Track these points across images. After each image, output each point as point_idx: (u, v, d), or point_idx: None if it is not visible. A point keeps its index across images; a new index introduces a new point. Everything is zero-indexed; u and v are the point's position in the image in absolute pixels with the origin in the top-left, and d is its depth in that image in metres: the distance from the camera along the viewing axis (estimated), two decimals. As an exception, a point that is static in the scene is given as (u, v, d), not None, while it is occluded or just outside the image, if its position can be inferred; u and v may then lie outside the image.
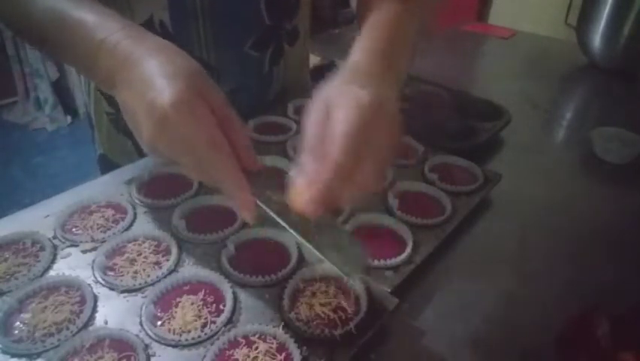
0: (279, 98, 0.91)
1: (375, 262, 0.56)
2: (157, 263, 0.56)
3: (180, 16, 0.73)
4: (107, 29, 0.47)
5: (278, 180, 0.47)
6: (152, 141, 0.43)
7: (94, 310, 0.51)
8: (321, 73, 1.12)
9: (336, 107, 0.43)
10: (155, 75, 0.42)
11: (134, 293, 0.52)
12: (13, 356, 0.46)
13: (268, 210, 0.45)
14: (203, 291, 0.53)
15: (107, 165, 0.88)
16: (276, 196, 0.45)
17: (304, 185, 0.42)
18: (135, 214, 0.63)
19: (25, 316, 0.50)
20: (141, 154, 0.80)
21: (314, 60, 1.62)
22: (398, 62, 0.53)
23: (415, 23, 0.57)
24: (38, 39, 0.56)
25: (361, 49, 0.52)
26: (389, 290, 0.54)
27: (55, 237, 0.59)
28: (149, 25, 0.72)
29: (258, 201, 0.45)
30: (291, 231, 0.44)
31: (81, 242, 0.59)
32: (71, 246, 0.58)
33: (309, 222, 0.44)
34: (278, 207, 0.45)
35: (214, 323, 0.49)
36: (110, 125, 0.85)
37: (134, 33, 0.47)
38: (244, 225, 0.62)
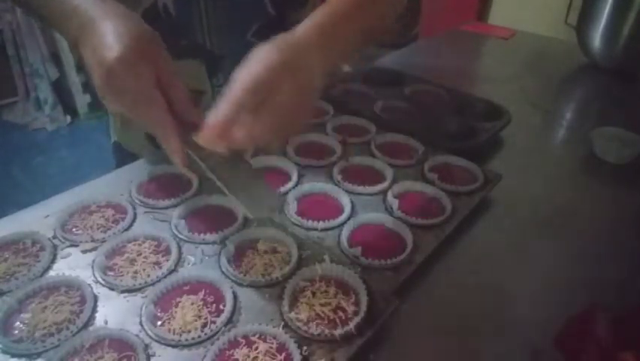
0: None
1: (375, 262, 0.56)
2: (157, 263, 0.56)
3: (184, 2, 0.74)
4: None
5: None
6: (101, 90, 0.49)
7: (94, 310, 0.51)
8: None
9: (249, 63, 0.48)
10: (107, 34, 0.48)
11: (134, 293, 0.52)
12: (13, 356, 0.46)
13: (192, 153, 0.51)
14: (203, 291, 0.53)
15: (120, 152, 0.90)
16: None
17: (209, 122, 0.47)
18: (135, 214, 0.63)
19: (25, 316, 0.50)
20: (151, 142, 0.81)
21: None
22: (336, 40, 0.56)
23: (364, 15, 0.60)
24: (29, 7, 0.60)
25: (306, 20, 0.56)
26: (389, 290, 0.54)
27: (55, 237, 0.59)
28: (153, 9, 0.74)
29: (188, 151, 0.51)
30: (216, 180, 0.51)
31: (81, 242, 0.59)
32: (71, 246, 0.58)
33: (225, 164, 0.51)
34: (202, 153, 0.51)
35: (214, 323, 0.49)
36: (123, 113, 0.87)
37: (101, 0, 0.52)
38: (244, 225, 0.62)
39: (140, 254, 0.57)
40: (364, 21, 0.60)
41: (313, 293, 0.53)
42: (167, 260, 0.56)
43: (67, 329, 0.48)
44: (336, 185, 0.70)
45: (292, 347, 0.46)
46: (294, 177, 0.71)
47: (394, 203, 0.66)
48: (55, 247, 0.58)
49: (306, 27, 0.54)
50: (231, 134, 0.47)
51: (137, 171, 0.71)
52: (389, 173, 0.72)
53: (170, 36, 0.76)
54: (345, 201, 0.67)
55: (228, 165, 0.52)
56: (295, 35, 0.53)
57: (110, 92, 0.49)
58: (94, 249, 0.58)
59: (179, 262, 0.57)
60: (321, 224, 0.62)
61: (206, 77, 0.81)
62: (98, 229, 0.60)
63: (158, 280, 0.54)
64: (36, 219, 0.62)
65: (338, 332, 0.48)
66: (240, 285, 0.54)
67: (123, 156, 0.84)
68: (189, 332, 0.48)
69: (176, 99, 0.52)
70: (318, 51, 0.53)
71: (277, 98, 0.48)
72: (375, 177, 0.73)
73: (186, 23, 0.76)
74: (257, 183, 0.53)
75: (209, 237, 0.60)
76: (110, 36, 0.48)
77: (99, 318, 0.50)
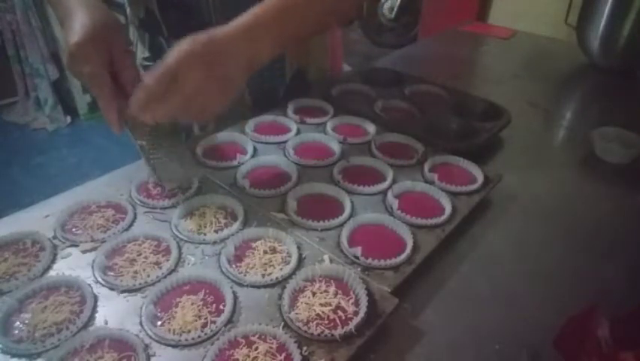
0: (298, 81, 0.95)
1: (375, 262, 0.56)
2: (157, 263, 0.56)
3: None
4: None
5: None
6: (66, 66, 0.62)
7: (94, 310, 0.51)
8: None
9: (174, 47, 0.57)
10: (73, 24, 0.61)
11: (134, 293, 0.52)
12: (13, 356, 0.46)
13: (127, 126, 0.65)
14: (203, 291, 0.53)
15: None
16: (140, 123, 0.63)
17: (131, 101, 0.58)
18: (135, 214, 0.63)
19: (25, 316, 0.50)
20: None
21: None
22: (281, 27, 0.65)
23: (293, 16, 0.67)
24: None
25: (238, 18, 0.63)
26: (389, 290, 0.54)
27: (55, 237, 0.59)
28: None
29: (124, 122, 0.65)
30: (137, 146, 0.67)
31: (81, 242, 0.59)
32: (71, 246, 0.58)
33: (151, 136, 0.67)
34: (134, 128, 0.66)
35: (214, 323, 0.49)
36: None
37: None
38: (244, 225, 0.62)
39: (140, 254, 0.57)
40: (296, 20, 0.67)
41: (313, 293, 0.53)
42: (167, 260, 0.56)
43: (67, 329, 0.48)
44: (336, 185, 0.70)
45: (292, 347, 0.46)
46: (294, 177, 0.71)
47: (394, 203, 0.66)
48: (55, 247, 0.58)
49: (246, 15, 0.62)
50: (146, 111, 0.58)
51: (137, 171, 0.71)
52: (389, 173, 0.72)
53: (181, 16, 0.81)
54: (345, 201, 0.67)
55: (156, 137, 0.67)
56: (218, 30, 0.60)
57: (71, 68, 0.61)
58: (94, 249, 0.58)
59: (179, 262, 0.57)
60: (321, 224, 0.62)
61: None
62: (98, 229, 0.60)
63: (158, 280, 0.54)
64: (36, 220, 0.62)
65: (338, 332, 0.48)
66: (240, 285, 0.54)
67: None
68: (189, 332, 0.48)
69: (126, 79, 0.63)
70: (238, 46, 0.60)
71: (183, 85, 0.56)
72: (375, 177, 0.73)
73: (193, 4, 0.81)
74: (176, 157, 0.67)
75: (209, 237, 0.60)
76: (75, 26, 0.60)
77: (99, 318, 0.50)
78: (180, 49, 0.56)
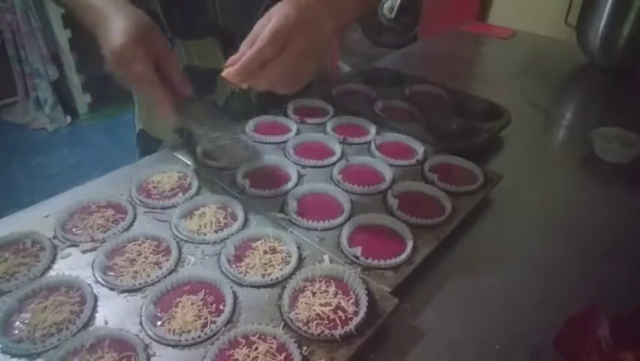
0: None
1: (375, 262, 0.56)
2: (157, 263, 0.56)
3: None
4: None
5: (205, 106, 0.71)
6: (110, 71, 0.63)
7: (94, 310, 0.51)
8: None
9: (271, 16, 0.59)
10: (112, 28, 0.62)
11: (134, 293, 0.52)
12: (13, 356, 0.46)
13: (188, 119, 0.68)
14: (203, 291, 0.53)
15: (145, 139, 0.98)
16: (199, 113, 0.68)
17: (233, 60, 0.58)
18: (135, 214, 0.63)
19: (25, 316, 0.50)
20: (175, 129, 0.93)
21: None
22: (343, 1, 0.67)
23: None
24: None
25: None
26: (389, 290, 0.54)
27: (55, 237, 0.59)
28: None
29: (182, 116, 0.66)
30: (193, 126, 0.69)
31: (81, 242, 0.59)
32: (71, 246, 0.58)
33: (207, 122, 0.69)
34: (191, 118, 0.68)
35: (214, 323, 0.49)
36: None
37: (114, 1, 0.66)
38: (244, 225, 0.62)
39: (140, 254, 0.57)
40: None
41: (313, 293, 0.53)
42: (167, 260, 0.56)
43: (67, 329, 0.48)
44: (336, 185, 0.70)
45: (292, 347, 0.46)
46: (294, 177, 0.71)
47: (394, 203, 0.66)
48: (55, 247, 0.58)
49: None
50: (253, 76, 0.57)
51: (137, 171, 0.71)
52: (389, 173, 0.72)
53: (185, 17, 0.82)
54: (345, 201, 0.67)
55: (213, 126, 0.69)
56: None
57: (117, 72, 0.62)
58: (94, 249, 0.58)
59: (179, 262, 0.57)
60: (321, 224, 0.62)
61: (221, 56, 0.84)
62: (98, 229, 0.60)
63: (158, 280, 0.54)
64: (36, 219, 0.62)
65: (338, 332, 0.48)
66: (240, 285, 0.54)
67: (148, 143, 0.96)
68: (189, 332, 0.48)
69: (171, 76, 0.65)
70: (327, 9, 0.62)
71: (292, 48, 0.57)
72: (375, 177, 0.73)
73: (200, 4, 0.81)
74: (236, 141, 0.69)
75: (209, 237, 0.60)
76: (115, 29, 0.61)
77: (99, 318, 0.50)
78: (286, 14, 0.57)
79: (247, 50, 0.58)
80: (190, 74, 0.90)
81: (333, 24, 0.63)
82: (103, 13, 0.63)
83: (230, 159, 0.68)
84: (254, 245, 0.59)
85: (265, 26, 0.58)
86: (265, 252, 0.58)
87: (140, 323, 0.49)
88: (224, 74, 0.58)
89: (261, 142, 0.79)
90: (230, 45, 0.85)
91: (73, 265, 0.56)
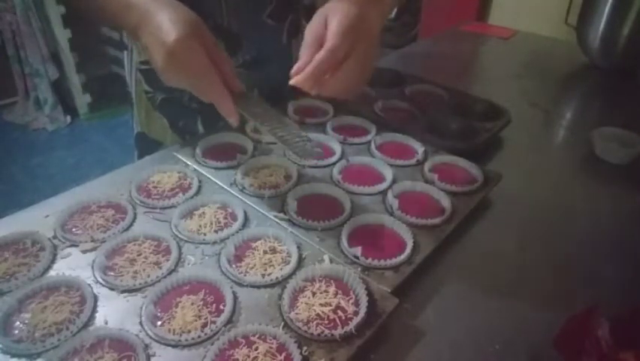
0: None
1: (375, 262, 0.56)
2: (157, 263, 0.56)
3: None
4: None
5: (255, 101, 0.67)
6: (163, 69, 0.59)
7: (94, 310, 0.51)
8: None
9: (331, 16, 0.57)
10: (164, 22, 0.58)
11: (134, 293, 0.52)
12: (13, 356, 0.46)
13: (248, 116, 0.63)
14: (203, 291, 0.53)
15: (144, 141, 0.97)
16: (255, 107, 0.62)
17: (301, 66, 0.55)
18: (135, 214, 0.63)
19: (25, 316, 0.50)
20: (174, 130, 0.93)
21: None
22: None
23: None
24: (87, 6, 0.69)
25: None
26: (389, 290, 0.54)
27: (55, 237, 0.59)
28: None
29: (240, 111, 0.62)
30: (266, 131, 0.62)
31: (81, 242, 0.59)
32: (71, 246, 0.58)
33: (269, 120, 0.63)
34: (255, 115, 0.63)
35: (214, 323, 0.49)
36: (148, 103, 0.92)
37: None
38: (244, 225, 0.62)
39: (140, 254, 0.57)
40: None
41: (313, 293, 0.53)
42: (167, 260, 0.56)
43: (67, 329, 0.48)
44: (336, 185, 0.70)
45: (292, 347, 0.46)
46: (294, 177, 0.71)
47: (394, 203, 0.66)
48: (55, 247, 0.58)
49: None
50: (324, 81, 0.55)
51: (137, 171, 0.71)
52: (389, 173, 0.72)
53: None
54: (346, 200, 0.67)
55: (273, 120, 0.64)
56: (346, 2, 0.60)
57: (171, 70, 0.59)
58: (94, 249, 0.58)
59: (179, 262, 0.57)
60: (321, 224, 0.62)
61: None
62: (98, 229, 0.60)
63: (158, 280, 0.54)
64: (36, 219, 0.62)
65: (338, 332, 0.48)
66: (240, 285, 0.54)
67: (147, 146, 0.94)
68: (189, 332, 0.48)
69: (224, 72, 0.62)
70: (374, 4, 0.61)
71: (360, 46, 0.56)
72: (375, 177, 0.73)
73: (207, 4, 0.81)
74: (296, 132, 0.63)
75: (209, 237, 0.60)
76: (167, 23, 0.58)
77: (99, 318, 0.50)
78: (347, 11, 0.56)
79: (311, 54, 0.55)
80: None
81: (380, 19, 0.62)
82: (145, 10, 0.60)
83: (297, 152, 0.62)
84: (254, 245, 0.59)
85: (322, 27, 0.56)
86: (265, 252, 0.58)
87: (140, 323, 0.49)
88: (293, 82, 0.55)
89: (261, 142, 0.79)
90: (236, 47, 0.86)
91: (73, 265, 0.56)
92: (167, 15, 0.58)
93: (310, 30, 0.58)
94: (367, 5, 0.60)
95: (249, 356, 0.46)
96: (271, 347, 0.47)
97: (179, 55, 0.57)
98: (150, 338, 0.48)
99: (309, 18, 0.92)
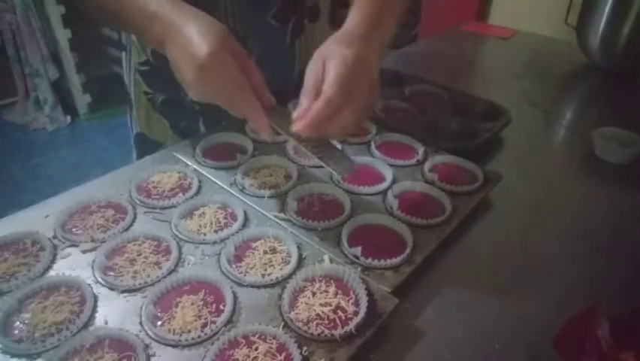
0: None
1: (375, 262, 0.56)
2: (157, 263, 0.56)
3: None
4: (156, 3, 0.60)
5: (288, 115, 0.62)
6: (193, 83, 0.57)
7: (94, 310, 0.51)
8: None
9: (329, 62, 0.56)
10: (194, 34, 0.56)
11: (134, 293, 0.52)
12: (13, 356, 0.46)
13: (280, 130, 0.60)
14: (203, 291, 0.53)
15: (143, 143, 0.96)
16: (287, 122, 0.58)
17: (301, 115, 0.54)
18: (135, 214, 0.63)
19: (25, 316, 0.50)
20: (175, 131, 0.92)
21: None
22: (383, 24, 0.63)
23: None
24: (104, 13, 0.68)
25: (353, 13, 0.63)
26: (389, 290, 0.54)
27: (55, 237, 0.59)
28: None
29: (273, 125, 0.59)
30: (298, 144, 0.59)
31: (81, 242, 0.59)
32: (71, 246, 0.58)
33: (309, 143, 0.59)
34: (288, 130, 0.58)
35: (214, 323, 0.49)
36: (147, 105, 0.92)
37: (176, 5, 0.60)
38: (244, 225, 0.62)
39: (140, 254, 0.57)
40: (399, 4, 0.67)
41: (313, 293, 0.53)
42: (167, 260, 0.56)
43: (67, 329, 0.48)
44: (336, 185, 0.70)
45: (292, 347, 0.46)
46: (294, 177, 0.71)
47: (394, 203, 0.66)
48: (55, 247, 0.58)
49: (356, 20, 0.61)
50: (324, 127, 0.54)
51: (137, 171, 0.71)
52: (389, 173, 0.72)
53: None
54: (346, 200, 0.67)
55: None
56: (353, 29, 0.60)
57: (202, 84, 0.57)
58: (94, 249, 0.58)
59: (179, 262, 0.57)
60: (321, 224, 0.62)
61: None
62: (98, 229, 0.60)
63: (158, 280, 0.54)
64: (36, 219, 0.62)
65: (338, 332, 0.48)
66: (240, 285, 0.54)
67: (147, 147, 0.93)
68: (189, 332, 0.48)
69: (256, 85, 0.60)
70: (373, 41, 0.60)
71: (358, 91, 0.55)
72: (375, 177, 0.73)
73: (210, 6, 0.80)
74: (333, 148, 0.61)
75: (209, 237, 0.60)
76: (196, 36, 0.56)
77: (99, 318, 0.50)
78: (343, 57, 0.55)
79: (310, 102, 0.55)
80: None
81: (379, 51, 0.61)
82: (170, 22, 0.58)
83: (336, 169, 0.59)
84: (254, 245, 0.59)
85: (320, 73, 0.55)
86: (265, 252, 0.58)
87: (140, 323, 0.49)
88: (295, 129, 0.54)
89: (261, 142, 0.79)
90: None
91: (73, 265, 0.56)
92: (195, 27, 0.56)
93: (309, 75, 0.57)
94: (366, 44, 0.59)
95: (248, 356, 0.46)
96: (271, 347, 0.47)
97: (211, 69, 0.55)
98: (150, 338, 0.48)
99: (312, 18, 0.92)
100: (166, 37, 0.58)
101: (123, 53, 0.92)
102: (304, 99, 0.56)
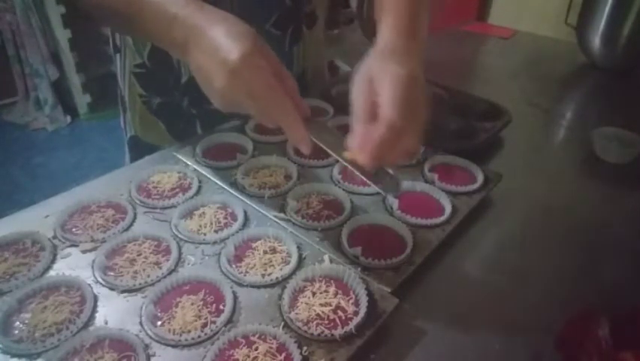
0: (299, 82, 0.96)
1: (375, 262, 0.56)
2: (157, 263, 0.56)
3: None
4: (177, 4, 0.55)
5: (325, 125, 0.60)
6: (224, 90, 0.52)
7: (94, 310, 0.51)
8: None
9: (381, 82, 0.53)
10: (221, 37, 0.51)
11: (134, 293, 0.52)
12: (13, 356, 0.46)
13: (323, 145, 0.55)
14: (203, 291, 0.53)
15: (137, 145, 0.94)
16: (327, 135, 0.55)
17: (360, 143, 0.51)
18: (135, 214, 0.63)
19: (25, 316, 0.50)
20: (172, 134, 0.90)
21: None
22: (419, 33, 0.61)
23: (427, 5, 0.64)
24: (114, 16, 0.64)
25: (389, 26, 0.60)
26: (389, 290, 0.54)
27: (55, 237, 0.59)
28: None
29: (317, 141, 0.54)
30: (343, 161, 0.54)
31: (81, 242, 0.59)
32: (71, 246, 0.58)
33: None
34: (330, 145, 0.55)
35: (214, 323, 0.49)
36: (143, 107, 0.91)
37: (198, 7, 0.55)
38: (244, 225, 0.62)
39: (140, 254, 0.57)
40: (428, 11, 0.64)
41: (313, 293, 0.53)
42: (167, 260, 0.56)
43: (67, 329, 0.48)
44: (336, 185, 0.70)
45: (292, 347, 0.46)
46: (294, 177, 0.71)
47: (394, 203, 0.66)
48: (55, 247, 0.58)
49: (392, 32, 0.59)
50: (387, 156, 0.51)
51: (137, 171, 0.71)
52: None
53: None
54: (346, 200, 0.67)
55: (331, 140, 0.56)
56: (393, 43, 0.57)
57: (233, 92, 0.52)
58: (94, 249, 0.58)
59: (179, 262, 0.57)
60: (321, 224, 0.62)
61: None
62: (97, 229, 0.60)
63: (158, 280, 0.54)
64: (36, 219, 0.62)
65: (338, 332, 0.48)
66: (240, 285, 0.54)
67: (140, 150, 0.90)
68: (189, 332, 0.48)
69: (290, 91, 0.54)
70: (415, 53, 0.57)
71: (418, 110, 0.52)
72: (375, 177, 0.73)
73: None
74: (384, 171, 0.57)
75: (209, 237, 0.60)
76: (225, 39, 0.51)
77: (99, 318, 0.50)
78: (396, 76, 0.52)
79: (364, 127, 0.51)
80: (195, 85, 0.88)
81: (422, 64, 0.57)
82: (193, 25, 0.53)
83: (382, 188, 0.55)
84: (254, 245, 0.59)
85: (369, 94, 0.52)
86: (265, 252, 0.58)
87: (140, 323, 0.49)
88: (358, 160, 0.50)
89: (261, 142, 0.79)
90: None
91: (73, 265, 0.56)
92: (223, 29, 0.52)
93: (357, 97, 0.54)
94: (411, 58, 0.55)
95: (248, 356, 0.46)
96: (271, 347, 0.47)
97: (243, 74, 0.50)
98: (150, 338, 0.48)
99: (309, 25, 0.92)
100: (189, 42, 0.53)
101: (117, 56, 0.90)
102: (358, 125, 0.52)
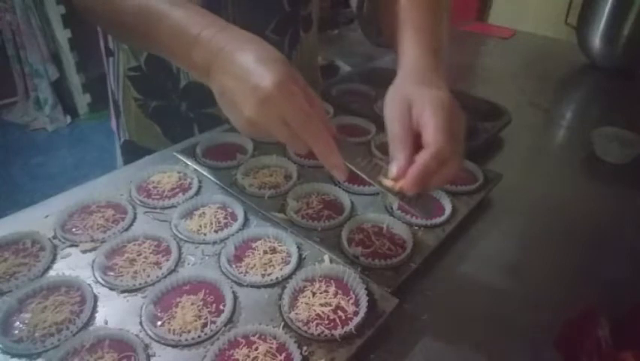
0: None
1: (375, 262, 0.56)
2: (157, 263, 0.56)
3: (213, 4, 0.75)
4: (199, 25, 0.53)
5: (356, 148, 0.59)
6: (255, 117, 0.49)
7: (94, 310, 0.51)
8: (321, 73, 1.12)
9: (422, 108, 0.52)
10: (253, 64, 0.49)
11: (134, 293, 0.52)
12: (13, 356, 0.46)
13: (358, 171, 0.53)
14: (203, 291, 0.53)
15: (132, 150, 0.93)
16: (360, 159, 0.55)
17: (402, 169, 0.50)
18: (135, 214, 0.63)
19: (25, 316, 0.50)
20: (168, 137, 0.89)
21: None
22: (443, 52, 0.61)
23: (444, 10, 0.64)
24: (128, 33, 0.63)
25: (414, 48, 0.60)
26: (389, 290, 0.54)
27: (55, 237, 0.59)
28: None
29: (347, 164, 0.53)
30: (379, 187, 0.53)
31: (81, 242, 0.59)
32: (71, 246, 0.58)
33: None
34: (365, 170, 0.54)
35: (214, 323, 0.49)
36: (138, 111, 0.90)
37: (223, 27, 0.53)
38: (244, 225, 0.62)
39: (140, 254, 0.57)
40: (444, 10, 0.65)
41: (313, 293, 0.53)
42: (167, 260, 0.56)
43: (67, 329, 0.48)
44: (336, 185, 0.70)
45: (292, 347, 0.46)
46: (294, 177, 0.71)
47: (394, 203, 0.66)
48: (55, 247, 0.58)
49: (424, 56, 0.59)
50: (431, 182, 0.50)
51: (137, 171, 0.71)
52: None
53: None
54: (346, 200, 0.67)
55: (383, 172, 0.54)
56: (421, 63, 0.58)
57: (265, 119, 0.49)
58: (94, 249, 0.58)
59: (179, 262, 0.57)
60: (321, 224, 0.62)
61: None
62: (97, 229, 0.60)
63: (158, 280, 0.54)
64: (36, 219, 0.62)
65: (338, 332, 0.48)
66: (240, 285, 0.54)
67: (136, 154, 0.87)
68: (189, 332, 0.48)
69: (319, 114, 0.52)
70: (442, 71, 0.58)
71: (458, 133, 0.52)
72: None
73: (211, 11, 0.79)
74: (423, 196, 0.55)
75: (209, 237, 0.60)
76: (256, 65, 0.49)
77: (99, 318, 0.50)
78: (436, 99, 0.52)
79: (405, 154, 0.50)
80: (193, 89, 0.87)
81: (446, 78, 0.57)
82: (219, 49, 0.51)
83: (417, 212, 0.54)
84: (254, 245, 0.59)
85: (408, 119, 0.52)
86: (265, 252, 0.58)
87: (140, 323, 0.49)
88: (402, 188, 0.50)
89: (261, 142, 0.79)
90: None
91: (73, 265, 0.56)
92: (252, 54, 0.49)
93: (394, 123, 0.53)
94: (437, 72, 0.55)
95: (248, 356, 0.46)
96: (271, 347, 0.47)
97: (277, 101, 0.48)
98: (150, 338, 0.48)
99: (306, 28, 0.93)
100: (213, 65, 0.51)
101: (110, 59, 0.89)
102: (400, 153, 0.51)
